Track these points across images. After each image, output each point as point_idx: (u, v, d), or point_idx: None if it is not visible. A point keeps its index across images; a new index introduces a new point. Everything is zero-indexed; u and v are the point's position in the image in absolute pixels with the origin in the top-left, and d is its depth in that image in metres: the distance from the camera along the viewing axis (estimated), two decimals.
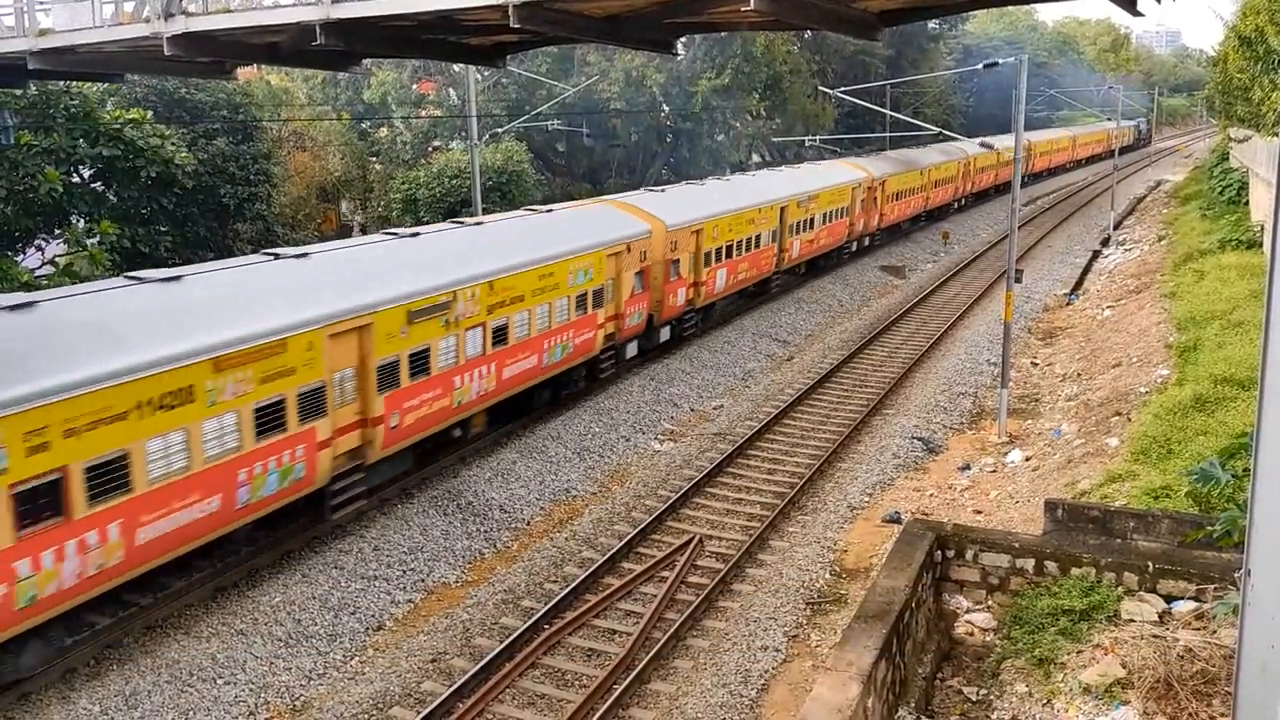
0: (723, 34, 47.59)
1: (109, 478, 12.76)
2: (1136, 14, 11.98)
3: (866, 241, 45.92)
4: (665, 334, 28.57)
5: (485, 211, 31.83)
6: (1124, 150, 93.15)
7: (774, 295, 36.36)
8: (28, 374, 12.02)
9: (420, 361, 18.17)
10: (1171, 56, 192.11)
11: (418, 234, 20.74)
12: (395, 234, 20.69)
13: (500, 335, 20.54)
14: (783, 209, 34.85)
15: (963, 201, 61.36)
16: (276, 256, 17.42)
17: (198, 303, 14.85)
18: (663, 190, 31.73)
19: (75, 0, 15.12)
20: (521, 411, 22.58)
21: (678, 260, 27.90)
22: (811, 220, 37.97)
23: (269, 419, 15.07)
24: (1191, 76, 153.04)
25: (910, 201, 50.58)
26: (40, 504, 12.05)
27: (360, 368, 16.91)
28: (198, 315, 14.48)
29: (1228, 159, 53.12)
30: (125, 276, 15.46)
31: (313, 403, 15.86)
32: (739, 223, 31.51)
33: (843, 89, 38.79)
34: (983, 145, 49.00)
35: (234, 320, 14.72)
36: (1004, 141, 54.16)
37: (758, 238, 33.23)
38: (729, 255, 31.05)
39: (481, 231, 22.62)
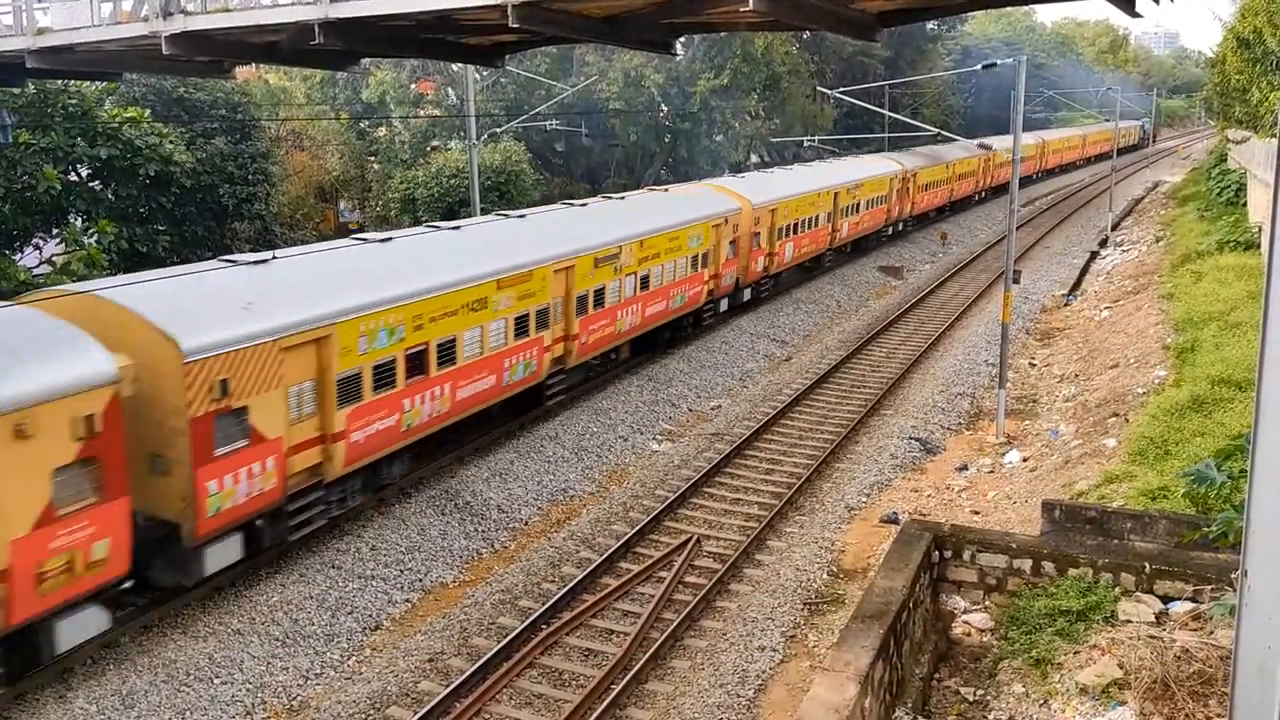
0: (721, 34, 47.60)
1: (446, 353, 18.66)
2: (1135, 15, 11.98)
3: (900, 226, 51.74)
4: (747, 294, 33.92)
5: (483, 212, 31.82)
6: (1129, 149, 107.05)
7: (826, 269, 41.72)
8: (409, 280, 17.81)
9: (599, 296, 24.31)
10: (1170, 58, 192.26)
11: (586, 204, 28.06)
12: (570, 204, 27.85)
13: (644, 283, 26.45)
14: (835, 194, 40.16)
15: (983, 194, 66.35)
16: (506, 216, 24.56)
17: (478, 244, 21.31)
18: (743, 176, 38.92)
19: None
20: (651, 347, 28.63)
21: (759, 234, 33.35)
22: (858, 205, 43.37)
23: (520, 326, 21.15)
24: (1190, 78, 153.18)
25: (938, 192, 56.39)
26: (415, 364, 17.81)
27: (565, 297, 22.99)
28: (482, 252, 20.72)
29: (1226, 160, 53.19)
30: (427, 226, 22.85)
31: (542, 319, 21.81)
32: (804, 205, 37.15)
33: (841, 89, 38.81)
34: (981, 146, 49.15)
35: (505, 256, 20.89)
36: (1011, 142, 58.77)
37: (816, 218, 38.79)
38: (795, 232, 36.59)
39: (630, 203, 28.90)
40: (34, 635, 12.34)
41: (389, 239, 19.84)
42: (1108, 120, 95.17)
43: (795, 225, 36.56)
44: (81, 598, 12.64)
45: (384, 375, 17.12)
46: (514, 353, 21.07)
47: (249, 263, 16.50)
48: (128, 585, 13.67)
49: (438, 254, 19.85)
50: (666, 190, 32.88)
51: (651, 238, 26.56)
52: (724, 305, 32.42)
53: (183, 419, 13.64)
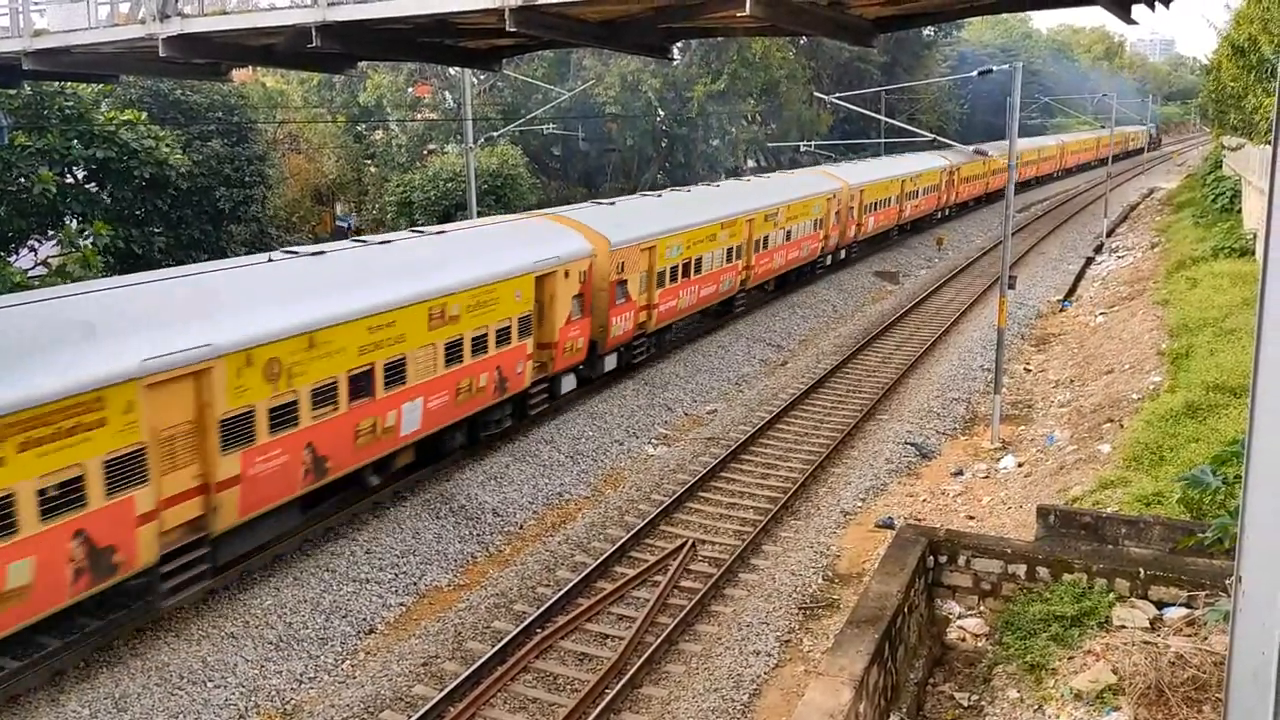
0: (718, 39, 47.65)
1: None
2: (1130, 22, 12.02)
3: (947, 212, 60.40)
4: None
5: (480, 214, 31.81)
6: (1138, 151, 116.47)
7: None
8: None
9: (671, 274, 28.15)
10: (1166, 64, 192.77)
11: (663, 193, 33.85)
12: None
13: (697, 266, 29.58)
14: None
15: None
16: (613, 204, 28.95)
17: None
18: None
19: (71, 1, 15.09)
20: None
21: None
22: (916, 191, 51.78)
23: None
24: (1185, 84, 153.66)
25: (975, 185, 65.84)
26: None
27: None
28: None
29: (1221, 167, 53.33)
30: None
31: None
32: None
33: (838, 95, 38.87)
34: (977, 153, 49.34)
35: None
36: (1026, 144, 76.02)
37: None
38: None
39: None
40: (556, 384, 23.49)
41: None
42: (1103, 126, 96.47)
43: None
44: (571, 367, 23.92)
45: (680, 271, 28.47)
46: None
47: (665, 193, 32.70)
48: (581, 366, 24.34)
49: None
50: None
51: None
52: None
53: (605, 282, 24.39)
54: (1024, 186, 75.73)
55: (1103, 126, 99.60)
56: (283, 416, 15.19)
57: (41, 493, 11.98)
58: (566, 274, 22.80)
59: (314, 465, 15.93)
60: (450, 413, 19.17)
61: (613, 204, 29.05)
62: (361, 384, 16.64)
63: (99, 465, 12.58)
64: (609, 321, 24.73)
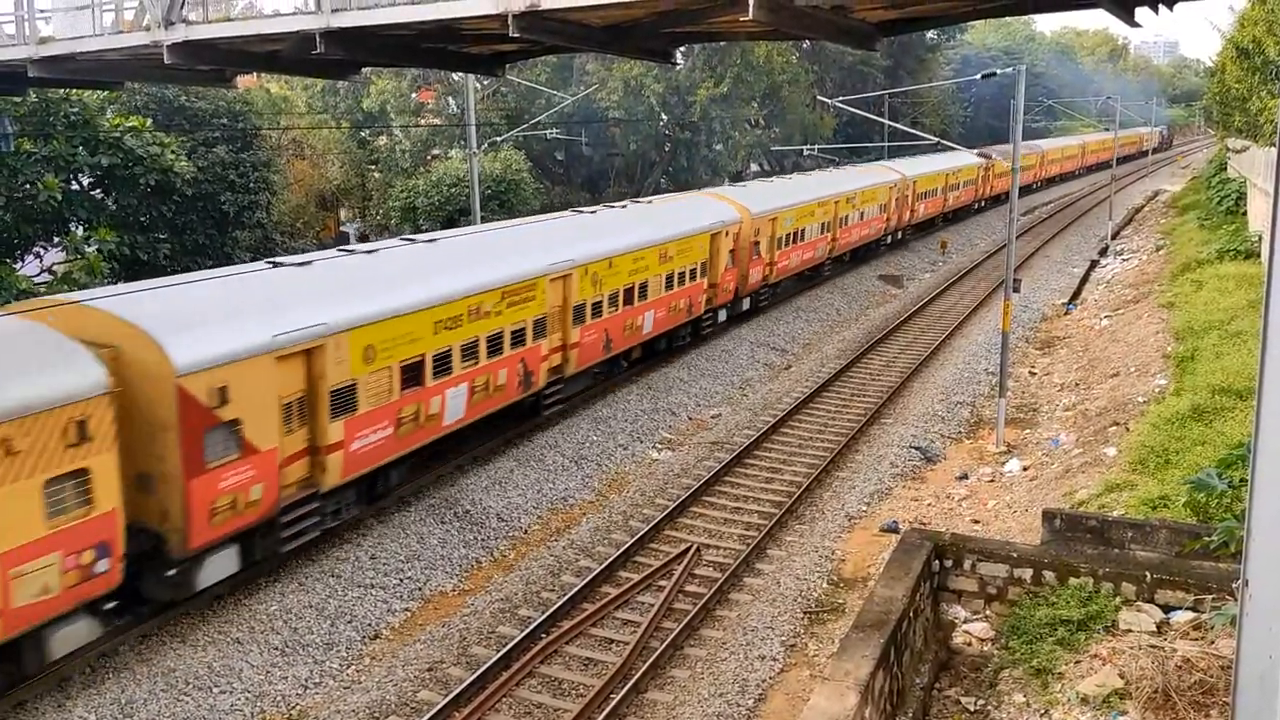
0: (721, 43, 47.71)
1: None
2: (1134, 24, 12.02)
3: (984, 203, 65.22)
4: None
5: (483, 219, 31.85)
6: (1152, 151, 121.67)
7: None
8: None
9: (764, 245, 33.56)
10: (1170, 67, 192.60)
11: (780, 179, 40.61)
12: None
13: (801, 235, 36.66)
14: (946, 176, 49.57)
15: (1039, 184, 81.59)
16: (745, 186, 34.81)
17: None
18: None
19: (76, 9, 15.15)
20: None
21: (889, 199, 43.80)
22: (958, 184, 56.88)
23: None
24: (1190, 86, 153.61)
25: (1008, 179, 64.49)
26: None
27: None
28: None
29: (1225, 169, 53.25)
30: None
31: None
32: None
33: (841, 98, 38.90)
34: (980, 155, 49.35)
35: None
36: (1051, 144, 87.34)
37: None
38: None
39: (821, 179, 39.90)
40: (715, 314, 30.68)
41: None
42: (1108, 129, 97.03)
43: (792, 235, 36.14)
44: (724, 304, 32.17)
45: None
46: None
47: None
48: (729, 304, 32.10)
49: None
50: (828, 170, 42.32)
51: (803, 206, 36.32)
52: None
53: (747, 242, 32.36)
54: (1050, 182, 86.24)
55: (1107, 129, 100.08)
56: (596, 310, 24.05)
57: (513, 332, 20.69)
58: (726, 234, 30.97)
59: (606, 344, 24.90)
60: (665, 323, 27.90)
61: (745, 186, 38.79)
62: (628, 296, 25.48)
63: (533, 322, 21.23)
64: (748, 271, 32.90)
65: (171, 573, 13.80)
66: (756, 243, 32.99)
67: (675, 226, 28.15)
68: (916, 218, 51.86)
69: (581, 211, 28.38)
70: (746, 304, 33.87)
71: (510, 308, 20.38)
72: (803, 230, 37.14)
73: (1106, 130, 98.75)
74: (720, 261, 30.55)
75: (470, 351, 19.11)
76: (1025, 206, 67.29)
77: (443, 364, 18.29)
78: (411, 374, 17.48)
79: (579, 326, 23.27)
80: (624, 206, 29.99)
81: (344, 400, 15.96)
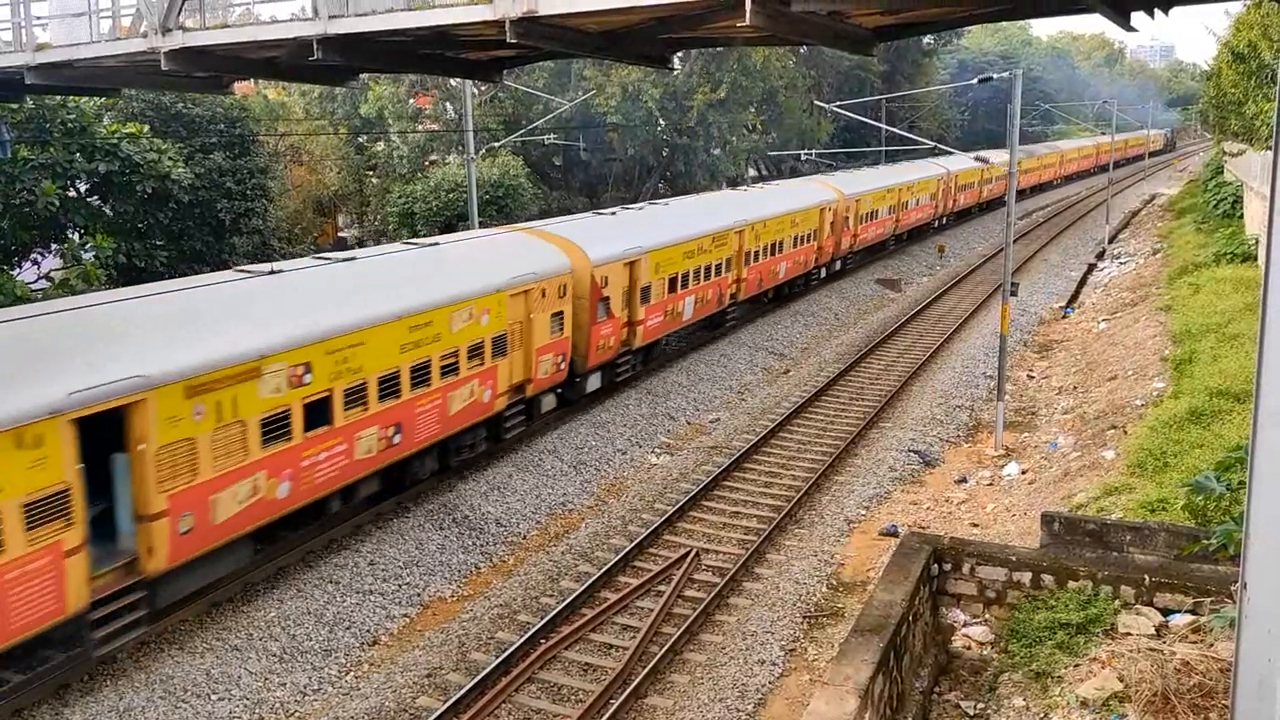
0: (719, 49, 47.77)
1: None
2: (1130, 29, 12.02)
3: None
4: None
5: (481, 224, 31.85)
6: (1159, 152, 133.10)
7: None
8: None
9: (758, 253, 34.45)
10: (1166, 70, 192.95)
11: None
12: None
13: (872, 215, 43.63)
14: (982, 172, 51.16)
15: (1058, 181, 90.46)
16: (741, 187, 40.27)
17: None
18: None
19: (73, 16, 15.14)
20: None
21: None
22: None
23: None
24: (1186, 90, 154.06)
25: (1032, 176, 77.29)
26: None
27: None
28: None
29: (1222, 173, 53.33)
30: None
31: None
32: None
33: (838, 103, 38.90)
34: (978, 160, 49.30)
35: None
36: (1072, 144, 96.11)
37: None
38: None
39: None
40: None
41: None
42: (1103, 133, 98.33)
43: (870, 215, 44.48)
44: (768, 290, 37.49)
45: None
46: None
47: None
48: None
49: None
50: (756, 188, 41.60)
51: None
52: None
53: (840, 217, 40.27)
54: (1069, 179, 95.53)
55: (1102, 133, 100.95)
56: (757, 256, 32.48)
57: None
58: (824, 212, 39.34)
59: (759, 282, 33.80)
60: (792, 271, 35.66)
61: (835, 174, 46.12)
62: (772, 249, 33.75)
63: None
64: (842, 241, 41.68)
65: (577, 380, 23.68)
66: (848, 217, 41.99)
67: (795, 201, 36.48)
68: (957, 206, 53.38)
69: (737, 189, 37.84)
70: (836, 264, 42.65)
71: (716, 247, 30.08)
72: (900, 204, 48.15)
73: (1114, 133, 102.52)
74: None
75: (697, 275, 29.04)
76: (1021, 211, 67.35)
77: (684, 281, 28.09)
78: (674, 284, 27.60)
79: (747, 267, 32.45)
80: (761, 187, 40.04)
81: (645, 294, 25.82)
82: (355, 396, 16.48)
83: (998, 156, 54.10)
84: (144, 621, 13.72)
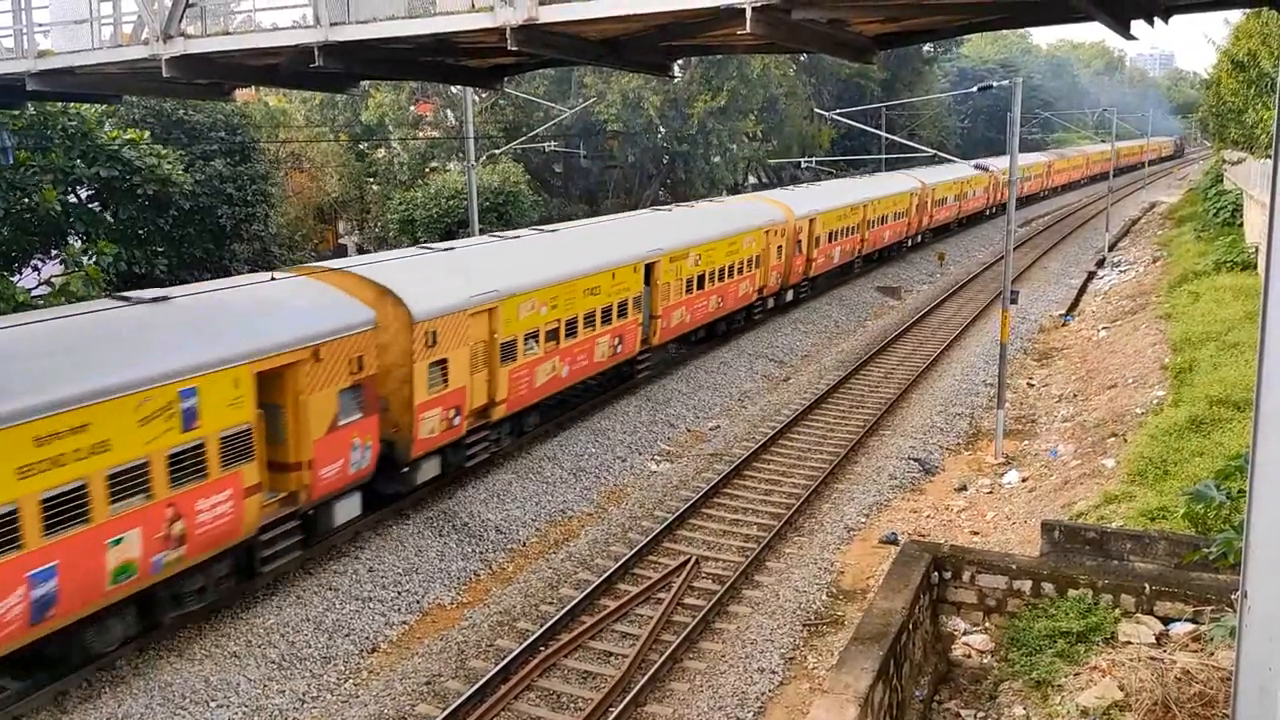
0: (719, 56, 47.84)
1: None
2: (1130, 37, 12.04)
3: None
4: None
5: (481, 231, 31.87)
6: (1168, 158, 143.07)
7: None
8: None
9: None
10: (1166, 79, 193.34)
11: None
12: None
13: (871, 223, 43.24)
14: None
15: (1084, 181, 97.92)
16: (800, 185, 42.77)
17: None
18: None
19: (75, 23, 15.17)
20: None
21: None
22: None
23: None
24: (1186, 99, 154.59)
25: (1064, 175, 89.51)
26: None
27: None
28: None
29: (1222, 181, 53.40)
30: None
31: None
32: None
33: (838, 111, 38.99)
34: (977, 167, 49.37)
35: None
36: (1095, 148, 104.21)
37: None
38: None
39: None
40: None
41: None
42: (1104, 140, 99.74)
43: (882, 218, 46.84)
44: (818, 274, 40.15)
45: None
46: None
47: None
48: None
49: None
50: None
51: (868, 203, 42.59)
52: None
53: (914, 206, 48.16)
54: (1094, 179, 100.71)
55: (1103, 140, 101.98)
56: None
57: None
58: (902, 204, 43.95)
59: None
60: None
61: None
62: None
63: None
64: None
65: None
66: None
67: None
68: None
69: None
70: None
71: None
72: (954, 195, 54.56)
73: (1136, 138, 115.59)
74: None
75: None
76: (1022, 219, 67.36)
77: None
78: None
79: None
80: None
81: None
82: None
83: (1024, 159, 59.29)
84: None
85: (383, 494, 18.19)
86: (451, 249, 22.05)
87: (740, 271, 31.93)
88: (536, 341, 21.44)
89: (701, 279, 29.26)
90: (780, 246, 33.81)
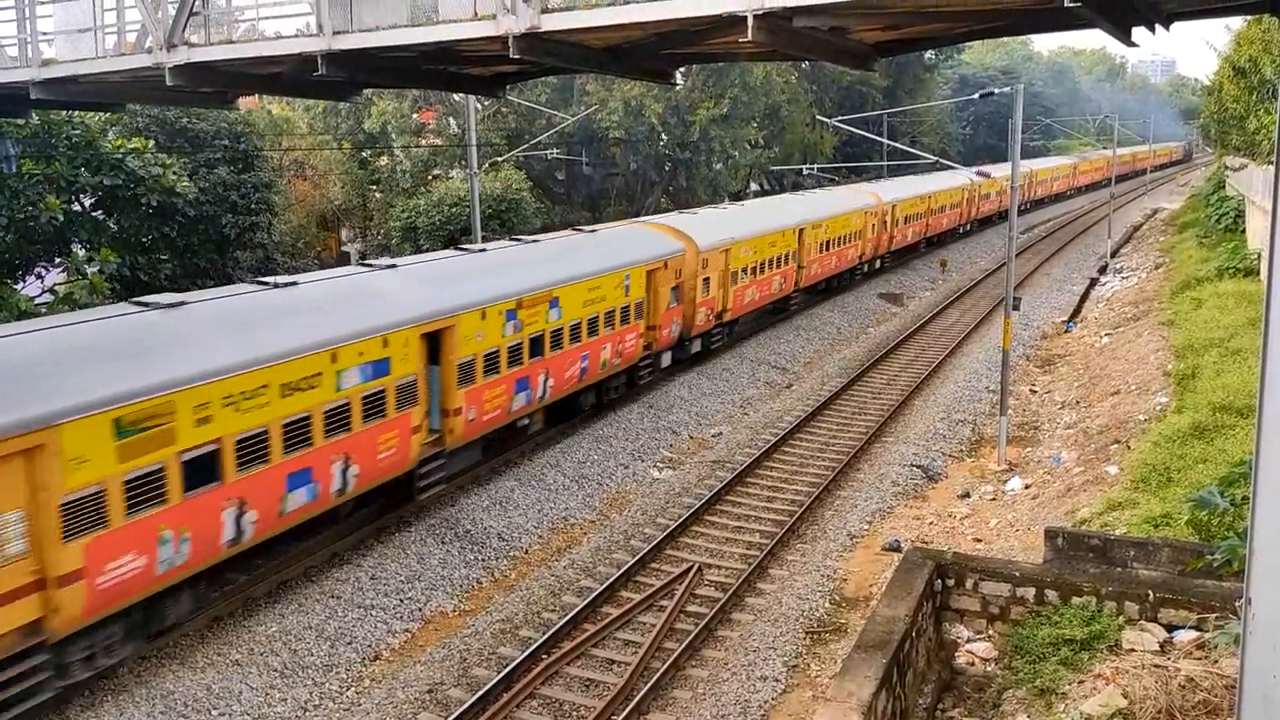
0: (721, 64, 47.91)
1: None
2: (1131, 44, 12.06)
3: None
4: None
5: (484, 238, 31.91)
6: (1178, 162, 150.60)
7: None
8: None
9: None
10: (1168, 85, 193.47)
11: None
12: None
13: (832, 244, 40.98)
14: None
15: (1106, 183, 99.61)
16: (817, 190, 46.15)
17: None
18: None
19: (78, 31, 15.22)
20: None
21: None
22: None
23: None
24: (1187, 105, 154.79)
25: (1094, 174, 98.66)
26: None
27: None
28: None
29: (1224, 187, 53.40)
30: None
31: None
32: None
33: (840, 118, 39.01)
34: (979, 174, 49.39)
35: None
36: (1123, 151, 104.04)
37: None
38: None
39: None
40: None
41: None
42: (1105, 147, 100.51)
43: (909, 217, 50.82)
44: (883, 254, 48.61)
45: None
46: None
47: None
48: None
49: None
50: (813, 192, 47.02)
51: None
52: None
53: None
54: (1119, 179, 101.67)
55: (1104, 147, 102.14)
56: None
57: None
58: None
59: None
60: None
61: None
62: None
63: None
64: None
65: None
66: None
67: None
68: (1038, 195, 65.14)
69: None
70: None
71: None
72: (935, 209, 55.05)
73: (1139, 144, 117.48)
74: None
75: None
76: (1021, 225, 67.34)
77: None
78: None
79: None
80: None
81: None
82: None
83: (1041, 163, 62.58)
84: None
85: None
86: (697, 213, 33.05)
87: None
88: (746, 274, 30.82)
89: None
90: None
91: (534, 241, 25.15)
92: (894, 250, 49.66)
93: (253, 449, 14.59)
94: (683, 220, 30.89)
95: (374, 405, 16.87)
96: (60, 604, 12.21)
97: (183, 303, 15.48)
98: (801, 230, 36.95)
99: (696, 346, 30.28)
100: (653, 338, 26.65)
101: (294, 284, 17.38)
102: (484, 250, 22.95)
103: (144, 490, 13.08)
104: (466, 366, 19.22)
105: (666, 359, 28.57)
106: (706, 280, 29.33)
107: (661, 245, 27.14)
